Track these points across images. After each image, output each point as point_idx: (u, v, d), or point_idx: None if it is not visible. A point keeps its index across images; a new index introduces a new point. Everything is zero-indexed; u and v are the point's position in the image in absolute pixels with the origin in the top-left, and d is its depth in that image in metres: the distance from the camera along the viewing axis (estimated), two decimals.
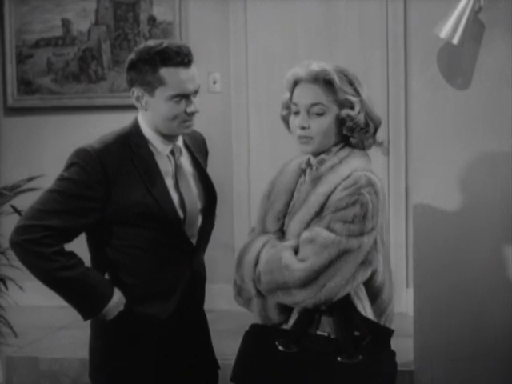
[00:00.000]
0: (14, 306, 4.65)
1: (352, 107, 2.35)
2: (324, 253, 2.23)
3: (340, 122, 2.36)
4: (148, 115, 2.57)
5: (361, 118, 2.35)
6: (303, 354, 2.30)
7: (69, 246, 2.54)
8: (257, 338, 2.39)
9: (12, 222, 4.57)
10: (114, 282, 2.58)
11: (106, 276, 2.60)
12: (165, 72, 2.48)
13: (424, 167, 3.52)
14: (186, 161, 2.67)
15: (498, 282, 3.45)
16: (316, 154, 2.42)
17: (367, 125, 2.37)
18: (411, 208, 4.17)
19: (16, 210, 4.56)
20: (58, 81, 5.45)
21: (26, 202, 4.54)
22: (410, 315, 3.90)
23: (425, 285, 3.55)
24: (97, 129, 5.20)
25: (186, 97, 2.51)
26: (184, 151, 2.67)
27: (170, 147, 2.61)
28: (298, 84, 2.42)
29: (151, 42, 2.54)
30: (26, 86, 5.49)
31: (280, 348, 2.33)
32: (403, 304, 4.71)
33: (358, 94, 2.36)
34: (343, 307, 2.30)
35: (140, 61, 2.51)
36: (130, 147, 2.56)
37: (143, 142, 2.58)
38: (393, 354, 2.37)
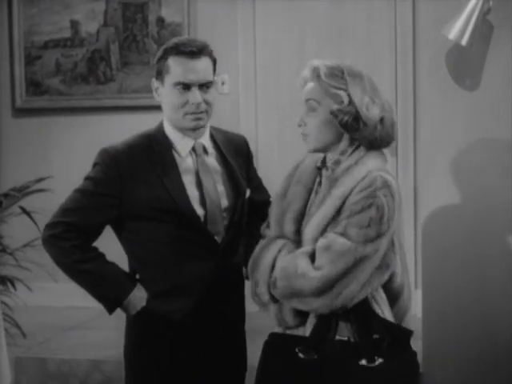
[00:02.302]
0: (22, 306, 4.66)
1: (341, 101, 2.33)
2: (340, 261, 2.20)
3: (335, 117, 2.33)
4: (163, 107, 2.64)
5: (351, 112, 2.31)
6: (323, 361, 2.27)
7: (108, 244, 2.68)
8: (277, 347, 2.36)
9: (21, 223, 4.64)
10: (139, 276, 2.64)
11: (138, 275, 2.65)
12: (172, 60, 2.56)
13: (432, 168, 3.51)
14: (212, 159, 2.68)
15: (506, 284, 3.45)
16: (324, 152, 2.40)
17: (356, 120, 2.31)
18: (420, 209, 4.17)
19: (25, 211, 4.58)
20: (66, 82, 5.47)
21: (34, 203, 4.60)
22: (418, 317, 3.89)
23: (433, 287, 3.54)
24: (105, 130, 5.27)
25: (187, 87, 2.55)
26: (212, 150, 2.70)
27: (191, 144, 2.63)
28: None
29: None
30: (35, 87, 5.51)
31: (300, 355, 2.29)
32: (412, 306, 4.70)
33: (347, 88, 2.32)
34: (361, 311, 2.27)
35: (159, 53, 2.61)
36: (150, 146, 2.62)
37: (164, 139, 2.63)
38: (414, 354, 2.34)
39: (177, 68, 2.54)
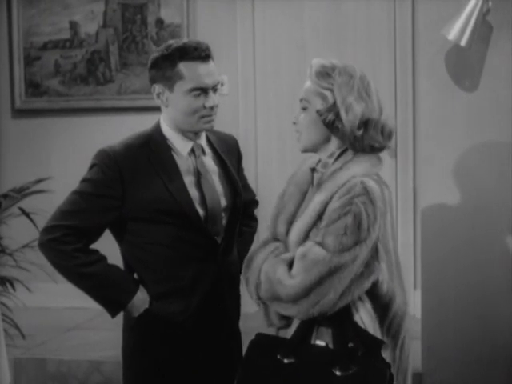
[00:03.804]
0: (21, 307, 4.66)
1: (327, 101, 2.31)
2: (314, 270, 2.19)
3: (320, 116, 2.31)
4: (169, 112, 2.61)
5: (334, 112, 2.29)
6: (300, 365, 2.26)
7: (104, 246, 2.64)
8: (259, 348, 2.35)
9: (20, 223, 4.64)
10: (138, 278, 2.63)
11: (135, 275, 2.64)
12: (183, 66, 2.53)
13: (432, 169, 3.51)
14: (209, 160, 2.69)
15: (506, 285, 3.45)
16: (314, 152, 2.39)
17: (339, 121, 2.29)
18: (419, 210, 4.17)
19: (24, 212, 4.58)
20: (65, 83, 5.47)
21: (33, 204, 4.60)
22: (417, 317, 3.89)
23: (433, 287, 3.54)
24: (104, 131, 5.27)
25: (204, 91, 2.54)
26: (208, 150, 2.70)
27: (190, 145, 2.63)
28: None
29: (172, 41, 2.60)
30: (34, 88, 5.51)
31: (279, 358, 2.28)
32: (411, 306, 4.71)
33: (333, 88, 2.30)
34: (339, 318, 2.25)
35: (160, 58, 2.57)
36: (149, 146, 2.60)
37: (163, 140, 2.62)
38: (386, 365, 2.27)
39: (192, 74, 2.52)
